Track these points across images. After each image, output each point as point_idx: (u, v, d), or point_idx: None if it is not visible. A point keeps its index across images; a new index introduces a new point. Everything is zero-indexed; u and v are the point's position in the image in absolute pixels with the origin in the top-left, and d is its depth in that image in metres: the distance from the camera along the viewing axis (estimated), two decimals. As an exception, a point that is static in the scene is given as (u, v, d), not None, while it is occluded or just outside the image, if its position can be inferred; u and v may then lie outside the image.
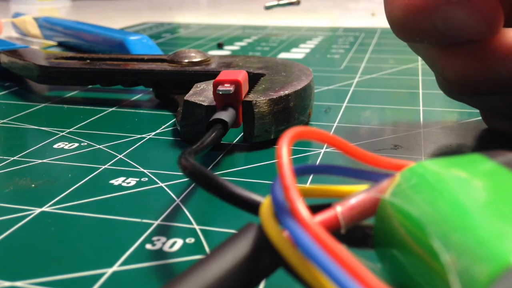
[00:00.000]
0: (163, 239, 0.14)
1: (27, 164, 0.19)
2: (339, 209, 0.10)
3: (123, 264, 0.13)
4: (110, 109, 0.26)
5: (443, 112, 0.25)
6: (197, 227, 0.15)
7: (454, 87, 0.19)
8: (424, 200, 0.09)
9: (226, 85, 0.19)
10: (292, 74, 0.23)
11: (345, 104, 0.27)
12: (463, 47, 0.18)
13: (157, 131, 0.23)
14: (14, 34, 0.52)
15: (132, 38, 0.36)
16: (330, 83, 0.31)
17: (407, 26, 0.18)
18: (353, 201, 0.10)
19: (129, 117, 0.25)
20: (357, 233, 0.11)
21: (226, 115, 0.19)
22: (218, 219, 0.15)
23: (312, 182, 0.17)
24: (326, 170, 0.11)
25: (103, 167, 0.19)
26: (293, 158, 0.20)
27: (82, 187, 0.17)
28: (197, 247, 0.14)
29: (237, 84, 0.19)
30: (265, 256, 0.09)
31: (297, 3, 0.49)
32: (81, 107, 0.26)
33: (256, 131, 0.20)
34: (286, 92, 0.21)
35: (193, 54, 0.27)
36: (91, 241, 0.14)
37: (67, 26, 0.45)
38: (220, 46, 0.45)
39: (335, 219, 0.10)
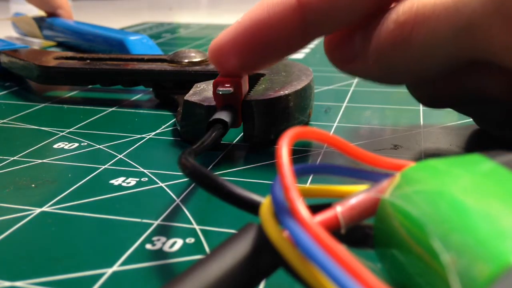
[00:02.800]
0: (163, 239, 0.14)
1: (27, 164, 0.19)
2: (339, 209, 0.10)
3: (123, 264, 0.13)
4: (110, 109, 0.26)
5: (443, 112, 0.25)
6: (197, 227, 0.15)
7: (428, 105, 0.21)
8: (424, 200, 0.09)
9: (226, 85, 0.19)
10: (292, 74, 0.23)
11: (345, 104, 0.27)
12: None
13: (157, 131, 0.23)
14: (14, 34, 0.52)
15: (132, 38, 0.36)
16: (330, 83, 0.31)
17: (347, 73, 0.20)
18: (353, 201, 0.10)
19: (129, 117, 0.25)
20: (357, 233, 0.11)
21: (226, 115, 0.19)
22: (218, 219, 0.15)
23: (312, 182, 0.17)
24: (326, 170, 0.11)
25: (103, 167, 0.19)
26: (293, 158, 0.20)
27: (82, 187, 0.17)
28: (197, 247, 0.14)
29: (237, 84, 0.19)
30: (265, 256, 0.09)
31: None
32: (81, 107, 0.26)
33: (256, 131, 0.20)
34: (286, 92, 0.21)
35: (193, 54, 0.27)
36: (91, 241, 0.14)
37: (67, 26, 0.45)
38: (220, 46, 0.45)
39: (335, 219, 0.10)
